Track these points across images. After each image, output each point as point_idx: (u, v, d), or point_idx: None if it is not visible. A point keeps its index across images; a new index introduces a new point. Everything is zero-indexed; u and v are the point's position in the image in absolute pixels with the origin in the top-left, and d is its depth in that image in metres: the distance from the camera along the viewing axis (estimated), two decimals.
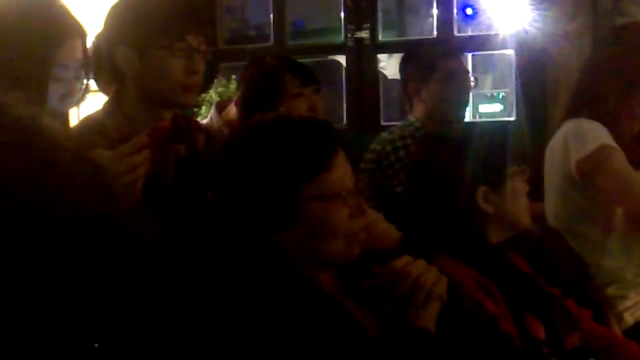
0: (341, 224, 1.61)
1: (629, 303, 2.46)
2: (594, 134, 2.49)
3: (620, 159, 2.47)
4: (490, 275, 1.93)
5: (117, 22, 2.02)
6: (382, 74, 4.36)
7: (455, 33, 4.09)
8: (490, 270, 1.94)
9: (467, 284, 1.87)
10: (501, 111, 9.55)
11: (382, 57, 4.37)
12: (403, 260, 1.65)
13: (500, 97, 10.14)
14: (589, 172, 2.49)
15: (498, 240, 2.01)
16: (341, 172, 1.63)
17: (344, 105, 4.22)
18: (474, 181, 1.97)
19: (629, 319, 2.44)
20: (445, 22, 4.01)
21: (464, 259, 1.94)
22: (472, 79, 3.22)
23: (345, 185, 1.63)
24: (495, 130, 2.19)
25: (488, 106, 13.02)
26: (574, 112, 2.61)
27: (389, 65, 5.00)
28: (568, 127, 2.58)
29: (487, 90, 13.67)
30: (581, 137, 2.51)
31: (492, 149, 2.01)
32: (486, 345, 1.79)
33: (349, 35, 4.13)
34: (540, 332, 1.94)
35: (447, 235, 1.99)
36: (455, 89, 3.12)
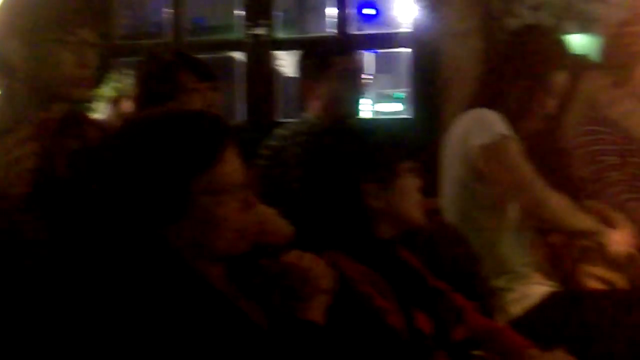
0: (231, 218, 1.62)
1: (514, 295, 2.53)
2: (495, 124, 2.56)
3: (517, 152, 2.54)
4: (380, 270, 1.96)
5: (6, 14, 1.98)
6: (280, 71, 4.37)
7: (353, 31, 4.12)
8: (379, 265, 1.97)
9: (356, 279, 1.90)
10: (402, 111, 9.68)
11: (281, 55, 4.39)
12: (291, 254, 1.67)
13: (401, 97, 10.30)
14: (487, 160, 2.55)
15: (388, 236, 2.05)
16: (231, 166, 1.64)
17: (241, 101, 4.22)
18: (362, 177, 2.00)
19: (515, 310, 2.51)
20: (343, 20, 4.04)
21: (354, 254, 1.97)
22: (368, 77, 3.27)
23: (236, 179, 1.64)
24: (383, 127, 2.22)
25: (388, 105, 13.19)
26: (473, 106, 2.68)
27: (288, 64, 5.02)
28: (469, 116, 2.64)
29: (388, 90, 13.85)
30: (482, 125, 2.57)
31: (380, 146, 2.04)
32: (373, 337, 1.83)
33: (247, 32, 4.13)
34: (427, 326, 1.98)
35: (337, 231, 2.02)
36: (350, 86, 3.17)
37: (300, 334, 1.60)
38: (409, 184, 2.04)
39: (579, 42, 3.65)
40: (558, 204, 2.54)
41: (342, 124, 2.81)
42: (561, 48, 2.69)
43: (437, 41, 3.78)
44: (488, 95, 2.66)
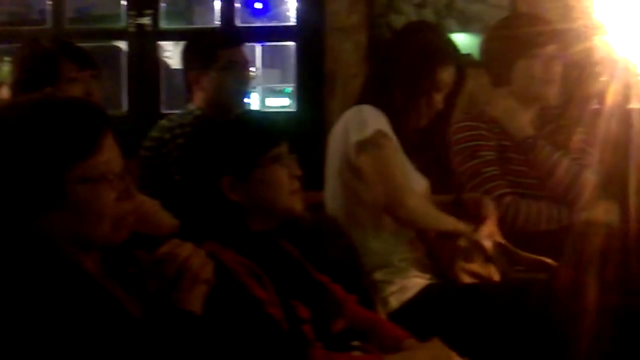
0: (107, 207, 1.60)
1: (394, 288, 2.57)
2: (374, 120, 2.58)
3: (391, 149, 2.57)
4: (259, 262, 1.96)
5: None
6: (165, 62, 4.33)
7: (238, 23, 4.11)
8: (258, 256, 1.97)
9: (235, 269, 1.90)
10: (290, 105, 9.72)
11: (167, 46, 4.34)
12: (169, 244, 1.65)
13: (290, 92, 10.32)
14: (361, 156, 2.58)
15: (265, 228, 2.05)
16: (108, 155, 1.61)
17: (124, 91, 4.16)
18: (220, 170, 2.00)
19: (394, 302, 2.55)
20: (229, 12, 4.03)
21: (233, 246, 1.97)
22: (252, 69, 3.27)
23: (113, 168, 1.61)
24: (265, 120, 2.22)
25: (277, 100, 13.21)
26: (362, 102, 2.70)
27: (175, 55, 4.97)
28: (351, 112, 2.66)
29: (277, 85, 13.87)
30: (360, 122, 2.59)
31: (243, 139, 2.04)
32: (252, 328, 1.83)
33: (131, 21, 4.07)
34: (307, 317, 2.00)
35: (212, 223, 2.01)
36: (235, 78, 3.17)
37: (177, 323, 1.58)
38: (277, 176, 2.03)
39: (461, 40, 3.74)
40: (418, 206, 2.57)
41: (224, 116, 2.79)
42: (447, 45, 2.73)
43: (321, 36, 3.81)
44: (375, 91, 2.69)
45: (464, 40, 3.73)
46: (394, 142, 2.58)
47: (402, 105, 2.63)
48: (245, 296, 1.87)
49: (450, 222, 2.64)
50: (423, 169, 2.73)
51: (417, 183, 2.67)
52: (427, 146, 2.74)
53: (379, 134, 2.56)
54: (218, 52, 3.16)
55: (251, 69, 3.29)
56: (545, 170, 2.98)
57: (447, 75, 2.66)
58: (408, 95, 2.63)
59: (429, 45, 2.67)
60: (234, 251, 1.96)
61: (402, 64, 2.65)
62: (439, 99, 2.66)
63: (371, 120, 2.57)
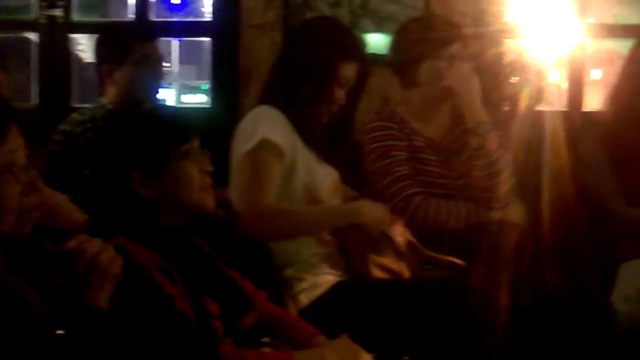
0: (11, 200, 1.57)
1: (304, 285, 2.57)
2: (265, 127, 2.56)
3: (269, 158, 2.53)
4: (169, 257, 1.95)
5: None
6: (77, 55, 4.26)
7: (153, 18, 4.07)
8: (168, 251, 1.96)
9: (144, 265, 1.88)
10: (206, 102, 9.67)
11: (80, 39, 4.27)
12: (77, 239, 1.63)
13: (206, 89, 10.27)
14: (245, 164, 2.57)
15: (175, 224, 2.03)
16: (12, 146, 1.58)
17: (35, 84, 4.08)
18: (130, 165, 1.99)
19: (304, 299, 2.56)
20: (143, 6, 3.98)
21: (142, 241, 1.95)
22: (166, 65, 3.25)
23: (17, 160, 1.58)
24: (177, 116, 2.20)
25: (193, 97, 13.14)
26: (264, 100, 2.69)
27: (88, 48, 4.90)
28: (251, 115, 2.65)
29: (194, 82, 13.79)
30: (252, 128, 2.57)
31: (153, 134, 2.02)
32: (161, 323, 1.82)
33: (42, 12, 3.99)
34: (217, 312, 1.99)
35: (121, 218, 1.99)
36: (148, 73, 3.14)
37: (83, 319, 1.56)
38: (188, 171, 2.02)
39: (375, 40, 3.77)
40: (276, 213, 2.55)
41: (135, 110, 2.76)
42: (349, 40, 2.73)
43: (237, 32, 3.80)
44: (277, 87, 2.68)
45: (378, 40, 3.76)
46: (278, 149, 2.55)
47: (303, 101, 2.62)
48: (154, 291, 1.86)
49: (325, 211, 2.64)
50: (334, 162, 2.74)
51: (324, 176, 2.67)
52: (332, 141, 2.74)
53: (262, 143, 2.54)
54: (131, 46, 3.14)
55: (165, 64, 3.26)
56: (458, 171, 3.03)
57: (349, 70, 2.66)
58: (309, 90, 2.62)
59: (331, 40, 2.67)
60: (144, 246, 1.94)
61: (304, 59, 2.64)
62: (341, 94, 2.66)
63: (261, 128, 2.55)
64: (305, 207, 2.61)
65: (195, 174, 2.03)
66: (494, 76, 3.16)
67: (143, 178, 1.99)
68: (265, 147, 2.53)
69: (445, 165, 3.05)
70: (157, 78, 3.21)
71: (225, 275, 2.12)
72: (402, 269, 2.65)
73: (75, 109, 3.30)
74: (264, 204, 2.50)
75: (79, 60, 4.26)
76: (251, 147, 2.54)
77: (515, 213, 3.05)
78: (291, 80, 2.64)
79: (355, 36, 2.77)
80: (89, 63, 3.80)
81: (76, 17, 4.08)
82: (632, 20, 4.34)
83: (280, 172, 2.55)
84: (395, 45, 3.12)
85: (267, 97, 2.68)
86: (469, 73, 2.96)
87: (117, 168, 2.01)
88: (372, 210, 2.59)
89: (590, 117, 3.55)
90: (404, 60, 3.05)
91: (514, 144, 3.10)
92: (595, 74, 8.68)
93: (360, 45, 2.73)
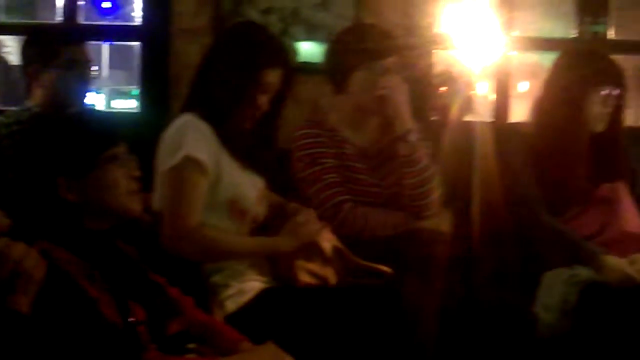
0: None
1: (231, 291, 2.57)
2: (188, 143, 2.54)
3: (193, 175, 2.53)
4: (93, 261, 1.94)
5: None
6: (3, 57, 4.19)
7: (82, 21, 4.02)
8: (92, 256, 1.95)
9: (68, 269, 1.87)
10: (136, 107, 9.58)
11: (6, 40, 4.21)
12: (0, 243, 1.61)
13: (135, 94, 10.18)
14: (167, 181, 2.56)
15: (101, 228, 2.02)
16: None
17: None
18: (55, 170, 1.97)
19: (231, 306, 2.55)
20: (71, 9, 3.93)
21: (66, 245, 1.93)
22: (94, 68, 3.22)
23: None
24: (105, 120, 2.18)
25: (124, 102, 13.00)
26: (187, 106, 2.68)
27: (14, 50, 4.83)
28: (174, 125, 2.63)
29: (125, 87, 13.65)
30: (175, 142, 2.56)
31: (78, 138, 2.01)
32: (85, 328, 1.80)
33: None
34: (142, 318, 1.98)
35: (45, 222, 1.97)
36: (75, 76, 3.11)
37: (4, 323, 1.54)
38: (114, 176, 2.01)
39: (306, 48, 3.78)
40: (200, 236, 2.54)
41: (61, 114, 2.73)
42: (275, 46, 2.73)
43: (167, 37, 3.78)
44: (200, 93, 2.66)
45: (309, 49, 3.78)
46: (202, 166, 2.53)
47: (226, 107, 2.62)
48: (77, 296, 1.84)
49: (255, 245, 2.65)
50: (259, 169, 2.74)
51: (249, 186, 2.67)
52: (257, 147, 2.74)
53: (186, 160, 2.52)
54: (59, 49, 3.10)
55: (94, 68, 3.23)
56: (388, 179, 3.05)
57: (273, 77, 2.65)
58: (232, 96, 2.61)
59: (255, 46, 2.66)
60: (68, 250, 1.92)
61: (227, 65, 2.63)
62: (264, 100, 2.66)
63: (185, 144, 2.54)
64: (232, 237, 2.61)
65: (122, 178, 2.02)
66: (422, 86, 3.20)
67: (68, 182, 1.97)
68: (189, 164, 2.52)
69: (374, 174, 3.07)
70: (84, 82, 3.18)
71: (150, 281, 2.11)
72: (329, 275, 2.66)
73: (1, 112, 3.25)
74: (189, 225, 2.50)
75: (4, 62, 4.19)
76: (175, 163, 2.53)
77: (443, 222, 3.08)
78: (214, 87, 2.63)
79: (279, 42, 2.76)
80: (15, 65, 3.74)
81: (2, 18, 4.02)
82: (555, 33, 4.44)
83: (205, 188, 2.54)
84: (330, 54, 3.13)
85: (191, 104, 2.66)
86: (401, 82, 3.00)
87: (42, 172, 1.99)
88: (294, 240, 2.60)
89: (516, 128, 3.62)
90: (337, 68, 3.07)
91: (442, 153, 3.14)
92: (523, 87, 8.85)
93: (284, 51, 2.73)
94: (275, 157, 2.83)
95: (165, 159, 2.56)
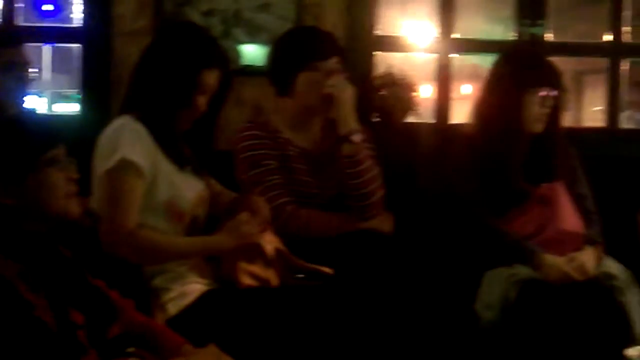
0: None
1: (172, 294, 2.55)
2: (124, 146, 2.52)
3: (129, 178, 2.50)
4: (29, 264, 1.92)
5: None
6: None
7: (21, 23, 3.97)
8: (29, 259, 1.93)
9: (5, 273, 1.85)
10: (78, 111, 9.43)
11: None
12: None
13: (78, 97, 10.05)
14: (104, 182, 2.53)
15: (39, 231, 2.00)
16: None
17: None
18: None
19: (172, 309, 2.53)
20: (8, 10, 3.88)
21: (3, 248, 1.91)
22: (32, 71, 3.19)
23: None
24: (43, 123, 2.17)
25: (64, 105, 12.84)
26: (125, 108, 2.66)
27: None
28: (111, 128, 2.61)
29: (67, 90, 13.47)
30: (111, 145, 2.54)
31: (9, 141, 1.99)
32: (20, 331, 1.78)
33: None
34: (80, 322, 1.96)
35: None
36: (13, 78, 3.09)
37: None
38: (52, 179, 1.99)
39: (250, 51, 3.78)
40: (146, 239, 2.52)
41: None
42: (213, 47, 2.71)
43: (107, 39, 3.75)
44: (137, 95, 2.64)
45: (252, 51, 3.78)
46: (138, 168, 2.51)
47: (163, 109, 2.60)
48: (12, 300, 1.82)
49: (193, 243, 2.62)
50: (199, 171, 2.73)
51: (187, 188, 2.65)
52: (196, 149, 2.73)
53: (122, 163, 2.50)
54: None
55: (33, 70, 3.20)
56: (331, 181, 3.07)
57: (211, 78, 2.64)
58: (170, 98, 2.60)
59: (192, 47, 2.64)
60: (4, 253, 1.90)
61: (164, 66, 2.61)
62: (202, 102, 2.65)
63: (121, 147, 2.52)
64: (169, 237, 2.58)
65: (60, 181, 2.01)
66: (364, 88, 3.21)
67: (5, 185, 1.95)
68: (124, 167, 2.50)
69: (318, 175, 3.09)
70: (23, 84, 3.15)
71: (89, 285, 2.09)
72: (271, 276, 2.66)
73: None
74: (125, 228, 2.48)
75: None
76: (111, 166, 2.51)
77: (385, 223, 3.11)
78: (151, 88, 2.61)
79: (217, 43, 2.75)
80: None
81: None
82: (495, 36, 4.50)
83: (141, 191, 2.52)
84: (273, 56, 3.14)
85: (128, 106, 2.64)
86: (346, 82, 3.02)
87: None
88: (235, 238, 2.59)
89: (457, 130, 3.66)
90: (281, 70, 3.08)
91: (383, 154, 3.16)
92: (466, 89, 8.94)
93: (222, 52, 2.72)
94: (213, 159, 2.82)
95: (102, 162, 2.54)
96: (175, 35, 2.72)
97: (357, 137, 3.00)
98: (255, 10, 3.76)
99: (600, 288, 3.05)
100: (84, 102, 3.93)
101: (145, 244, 2.51)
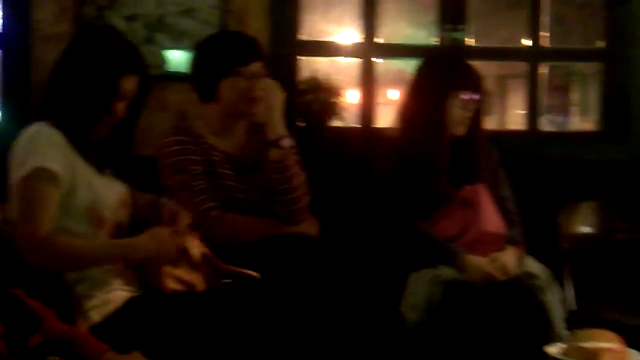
0: None
1: (95, 302, 2.51)
2: (38, 153, 2.48)
3: (44, 186, 2.46)
4: None
5: None
6: None
7: None
8: None
9: None
10: None
11: None
12: None
13: None
14: (18, 190, 2.49)
15: None
16: None
17: None
18: None
19: (96, 316, 2.50)
20: None
21: None
22: None
23: None
24: None
25: None
26: (41, 114, 2.61)
27: None
28: (26, 134, 2.56)
29: None
30: (25, 152, 2.50)
31: None
32: None
33: None
34: (0, 332, 1.93)
35: None
36: None
37: None
38: None
39: (174, 56, 3.76)
40: (54, 245, 2.46)
41: None
42: (131, 52, 2.67)
43: (27, 44, 3.69)
44: (53, 102, 2.60)
45: (177, 56, 3.76)
46: (53, 176, 2.47)
47: (81, 115, 2.56)
48: None
49: (111, 246, 2.59)
50: (120, 176, 2.70)
51: (107, 192, 2.62)
52: (115, 154, 2.70)
53: (37, 171, 2.46)
54: None
55: None
56: (256, 185, 3.07)
57: (129, 83, 2.61)
58: (88, 104, 2.56)
59: (110, 52, 2.60)
60: None
61: (81, 72, 2.57)
62: (121, 107, 2.62)
63: (35, 154, 2.48)
64: (86, 242, 2.54)
65: None
66: (288, 93, 3.22)
67: None
68: (39, 175, 2.46)
69: (243, 180, 3.09)
70: None
71: (8, 294, 2.05)
72: (197, 281, 2.65)
73: None
74: (39, 235, 2.43)
75: None
76: (25, 174, 2.46)
77: (311, 227, 3.12)
78: (68, 94, 2.57)
79: (135, 48, 2.71)
80: None
81: None
82: (418, 41, 4.55)
83: (57, 197, 2.48)
84: (196, 62, 3.13)
85: (45, 112, 2.60)
86: (276, 86, 3.03)
87: None
88: (155, 242, 2.57)
89: (381, 133, 3.69)
90: (205, 76, 3.07)
91: (308, 159, 3.18)
92: (393, 94, 9.01)
93: (140, 57, 2.69)
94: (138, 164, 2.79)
95: (16, 170, 2.50)
96: (93, 40, 2.67)
97: (285, 142, 3.01)
98: (179, 15, 3.74)
99: (521, 287, 3.11)
100: (4, 108, 3.86)
101: (61, 250, 2.47)
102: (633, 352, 2.66)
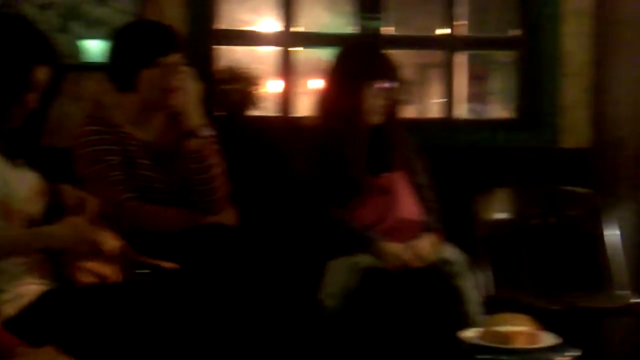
0: None
1: (7, 296, 2.46)
2: None
3: None
4: None
5: None
6: None
7: None
8: None
9: None
10: None
11: None
12: None
13: None
14: None
15: None
16: None
17: None
18: None
19: (9, 310, 2.46)
20: None
21: None
22: None
23: None
24: None
25: None
26: None
27: None
28: None
29: None
30: None
31: None
32: None
33: None
34: None
35: None
36: None
37: None
38: None
39: (91, 46, 3.72)
40: None
41: None
42: (42, 42, 2.63)
43: None
44: None
45: (92, 46, 3.71)
46: None
47: None
48: None
49: (21, 235, 2.53)
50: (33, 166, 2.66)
51: (18, 183, 2.58)
52: (27, 144, 2.67)
53: None
54: None
55: None
56: (174, 175, 3.06)
57: (41, 74, 2.58)
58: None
59: (20, 43, 2.54)
60: None
61: None
62: (32, 98, 2.58)
63: None
64: (3, 232, 2.48)
65: None
66: (206, 82, 3.21)
67: None
68: None
69: (160, 170, 3.07)
70: None
71: None
72: (110, 273, 2.62)
73: None
74: None
75: None
76: None
77: (230, 217, 3.12)
78: None
79: (45, 37, 2.67)
80: None
81: None
82: (336, 29, 4.56)
83: None
84: (114, 52, 3.10)
85: None
86: (193, 77, 3.01)
87: None
88: (70, 230, 2.53)
89: (300, 122, 3.71)
90: (123, 66, 3.04)
91: (226, 149, 3.18)
92: (315, 83, 9.03)
93: (52, 46, 2.65)
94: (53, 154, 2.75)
95: None
96: (2, 29, 2.62)
97: (203, 132, 3.00)
98: (94, 3, 3.69)
99: (437, 274, 3.16)
100: None
101: None
102: (547, 334, 2.73)
